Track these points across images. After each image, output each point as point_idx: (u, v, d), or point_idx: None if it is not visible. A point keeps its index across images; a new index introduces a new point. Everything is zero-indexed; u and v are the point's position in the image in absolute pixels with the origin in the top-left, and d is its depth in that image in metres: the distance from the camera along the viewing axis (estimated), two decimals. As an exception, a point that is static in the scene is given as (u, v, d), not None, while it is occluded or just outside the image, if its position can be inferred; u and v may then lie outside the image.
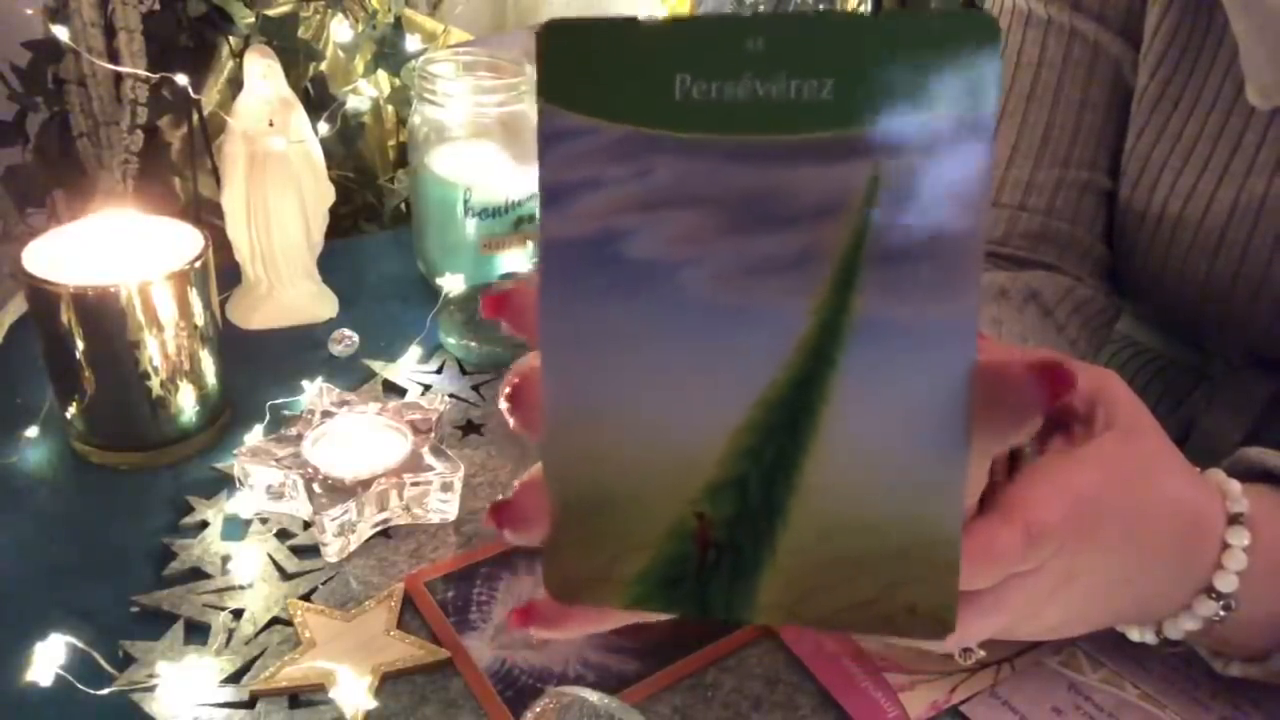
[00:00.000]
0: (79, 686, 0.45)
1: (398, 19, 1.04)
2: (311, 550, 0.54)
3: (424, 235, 0.79)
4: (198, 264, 0.58)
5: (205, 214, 0.89)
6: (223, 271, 0.69)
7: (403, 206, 1.04)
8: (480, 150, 0.75)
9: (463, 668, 0.47)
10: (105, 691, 0.45)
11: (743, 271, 0.25)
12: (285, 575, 0.52)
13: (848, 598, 0.26)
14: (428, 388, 0.68)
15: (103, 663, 0.46)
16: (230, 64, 0.95)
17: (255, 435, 0.60)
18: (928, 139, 0.23)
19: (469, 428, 0.64)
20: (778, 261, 0.24)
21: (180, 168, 0.94)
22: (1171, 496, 0.37)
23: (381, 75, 1.04)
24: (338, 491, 0.54)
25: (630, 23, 0.24)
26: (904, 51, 0.23)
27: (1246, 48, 0.55)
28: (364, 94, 1.02)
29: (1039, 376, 0.26)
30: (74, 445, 0.61)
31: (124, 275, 0.56)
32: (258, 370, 0.68)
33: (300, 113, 0.72)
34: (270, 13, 0.94)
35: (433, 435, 0.58)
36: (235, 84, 0.89)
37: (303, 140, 0.72)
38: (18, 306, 0.70)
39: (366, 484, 0.54)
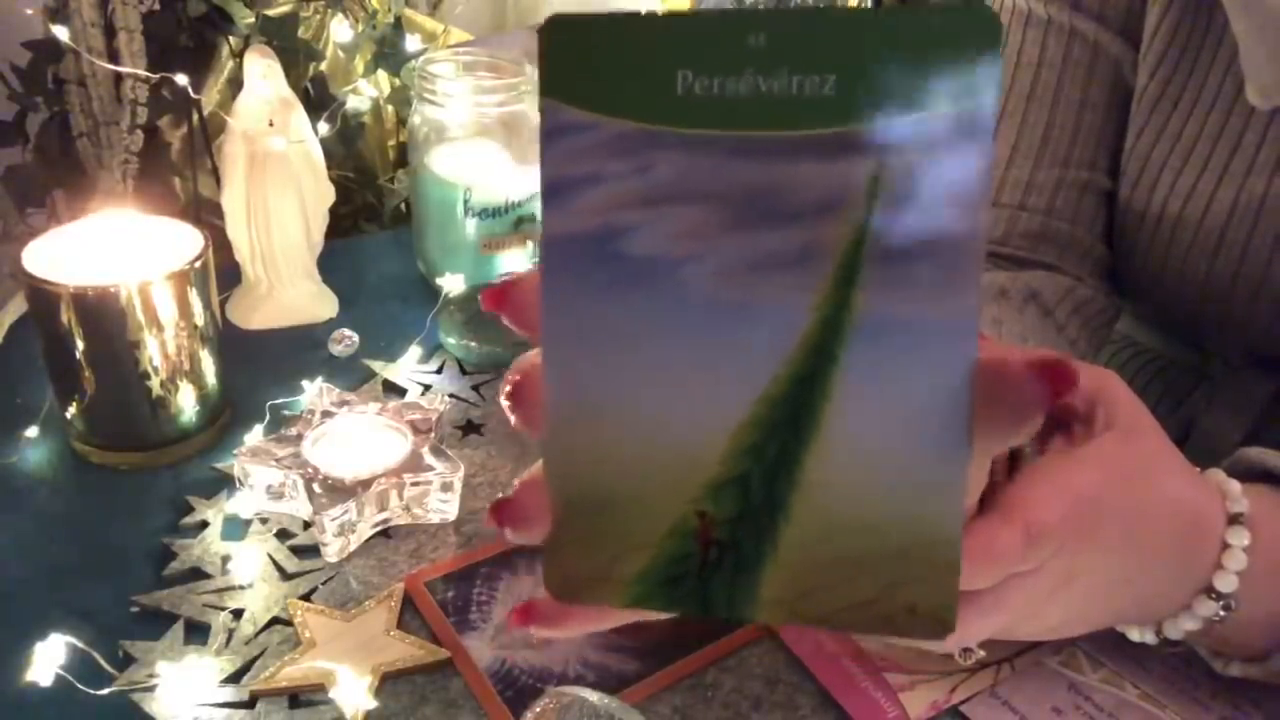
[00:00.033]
0: (79, 686, 0.45)
1: (398, 19, 1.04)
2: (311, 550, 0.54)
3: (424, 235, 0.79)
4: (198, 264, 0.58)
5: (205, 214, 0.89)
6: (223, 271, 0.69)
7: (403, 206, 1.04)
8: (480, 150, 0.75)
9: (463, 668, 0.47)
10: (105, 691, 0.45)
11: (744, 268, 0.25)
12: (285, 575, 0.52)
13: (848, 597, 0.26)
14: (428, 388, 0.68)
15: (103, 663, 0.46)
16: (230, 64, 0.95)
17: (255, 435, 0.60)
18: (929, 135, 0.23)
19: (469, 428, 0.64)
20: (779, 258, 0.24)
21: (180, 168, 0.94)
22: (1171, 496, 0.37)
23: (381, 75, 1.04)
24: (338, 491, 0.54)
25: (632, 18, 0.24)
26: (906, 47, 0.23)
27: (1246, 47, 0.55)
28: (364, 94, 1.02)
29: (1040, 375, 0.26)
30: (74, 445, 0.61)
31: (124, 275, 0.56)
32: (258, 370, 0.68)
33: (300, 113, 0.72)
34: (270, 13, 0.94)
35: (433, 435, 0.58)
36: (235, 84, 0.89)
37: (303, 140, 0.72)
38: (18, 306, 0.70)
39: (366, 484, 0.54)
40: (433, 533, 0.56)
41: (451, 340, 0.71)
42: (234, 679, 0.47)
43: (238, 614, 0.50)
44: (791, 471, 0.25)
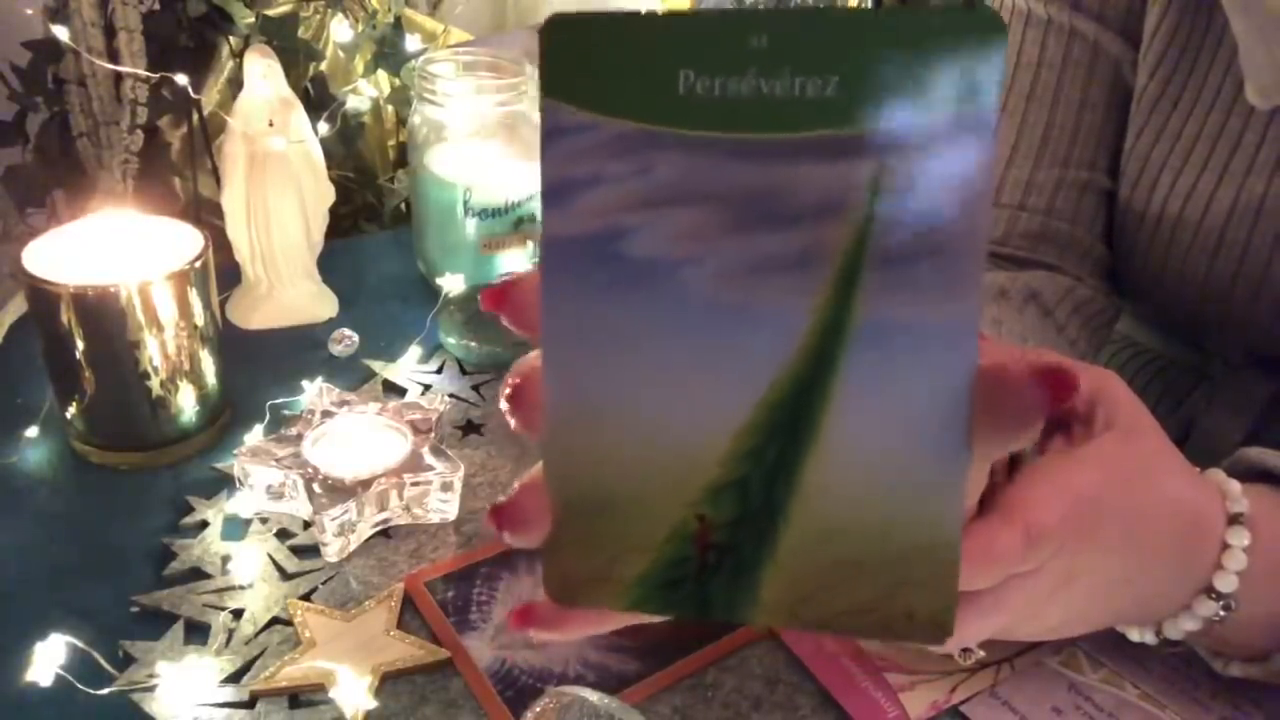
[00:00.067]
0: (79, 686, 0.45)
1: (398, 19, 1.04)
2: (311, 550, 0.54)
3: (424, 235, 0.79)
4: (198, 264, 0.58)
5: (205, 214, 0.89)
6: (223, 271, 0.69)
7: (403, 206, 1.04)
8: (480, 150, 0.75)
9: (463, 668, 0.47)
10: (105, 691, 0.45)
11: (745, 270, 0.24)
12: (285, 575, 0.52)
13: (847, 601, 0.26)
14: (428, 388, 0.68)
15: (103, 663, 0.46)
16: (230, 64, 0.95)
17: (255, 435, 0.60)
18: (931, 138, 0.23)
19: (469, 428, 0.64)
20: (780, 260, 0.24)
21: (180, 168, 0.94)
22: (1171, 497, 0.37)
23: (381, 75, 1.04)
24: (338, 491, 0.54)
25: (633, 17, 0.24)
26: (908, 49, 0.23)
27: (1246, 48, 0.55)
28: (364, 94, 1.02)
29: (1040, 381, 0.26)
30: (74, 445, 0.61)
31: (124, 275, 0.56)
32: (258, 370, 0.68)
33: (300, 113, 0.72)
34: (270, 13, 0.94)
35: (433, 435, 0.58)
36: (235, 84, 0.89)
37: (303, 140, 0.72)
38: (18, 306, 0.70)
39: (366, 484, 0.54)
40: (433, 533, 0.56)
41: (451, 340, 0.71)
42: (234, 679, 0.47)
43: (238, 614, 0.50)
44: (791, 475, 0.25)
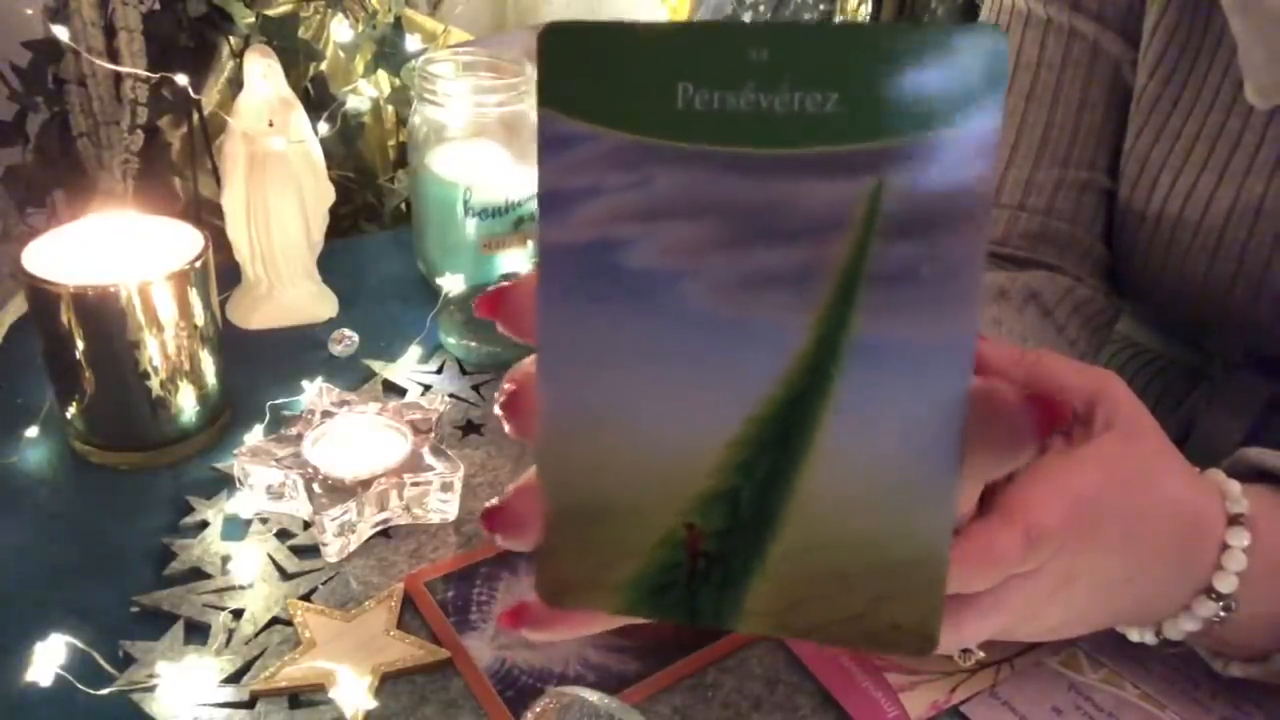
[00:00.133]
0: (79, 686, 0.45)
1: (398, 19, 1.04)
2: (311, 550, 0.54)
3: (424, 235, 0.79)
4: (198, 264, 0.58)
5: (205, 214, 0.90)
6: (223, 271, 0.70)
7: (403, 206, 1.04)
8: (480, 150, 0.75)
9: (463, 668, 0.47)
10: (105, 691, 0.45)
11: (742, 285, 0.24)
12: (285, 575, 0.52)
13: (834, 611, 0.26)
14: (428, 388, 0.68)
15: (103, 663, 0.46)
16: (230, 64, 0.95)
17: (255, 435, 0.60)
18: (932, 155, 0.23)
19: (469, 428, 0.64)
20: (778, 276, 0.24)
21: (180, 168, 0.94)
22: (1171, 497, 0.37)
23: (381, 75, 1.04)
24: (338, 491, 0.54)
25: (632, 27, 0.24)
26: (910, 65, 0.22)
27: (1245, 48, 0.55)
28: (364, 94, 1.02)
29: (1032, 406, 0.26)
30: (74, 445, 0.61)
31: (124, 275, 0.56)
32: (258, 370, 0.68)
33: (300, 113, 0.72)
34: (270, 13, 0.94)
35: (433, 435, 0.58)
36: (235, 84, 0.89)
37: (303, 140, 0.72)
38: (18, 306, 0.70)
39: (366, 484, 0.54)
40: (433, 533, 0.56)
41: (451, 340, 0.71)
42: (234, 679, 0.47)
43: (238, 614, 0.50)
44: (781, 488, 0.25)
